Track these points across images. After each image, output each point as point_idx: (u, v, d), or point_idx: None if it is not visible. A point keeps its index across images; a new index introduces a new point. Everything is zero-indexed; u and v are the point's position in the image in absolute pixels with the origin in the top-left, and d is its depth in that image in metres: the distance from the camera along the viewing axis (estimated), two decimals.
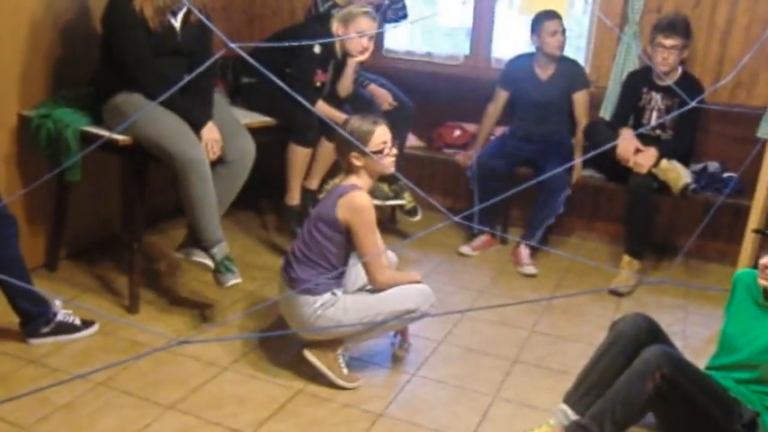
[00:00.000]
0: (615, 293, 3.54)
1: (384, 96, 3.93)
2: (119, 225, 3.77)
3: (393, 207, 4.09)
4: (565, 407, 2.32)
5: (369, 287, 2.72)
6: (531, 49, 3.94)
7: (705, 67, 3.85)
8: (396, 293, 2.62)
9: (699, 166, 3.82)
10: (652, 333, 2.32)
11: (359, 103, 3.73)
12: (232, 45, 1.13)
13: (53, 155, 3.01)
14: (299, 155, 3.57)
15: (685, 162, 3.66)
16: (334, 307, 2.58)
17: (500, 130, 4.14)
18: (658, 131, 3.72)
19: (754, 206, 3.25)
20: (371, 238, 2.57)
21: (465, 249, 3.96)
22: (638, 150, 3.58)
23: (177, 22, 2.95)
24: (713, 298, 3.47)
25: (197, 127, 2.89)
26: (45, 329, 2.77)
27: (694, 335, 3.22)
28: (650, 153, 3.56)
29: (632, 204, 3.62)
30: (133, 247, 3.04)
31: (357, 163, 2.60)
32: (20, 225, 2.71)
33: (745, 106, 3.78)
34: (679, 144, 3.67)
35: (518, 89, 3.97)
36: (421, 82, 4.27)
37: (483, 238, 4.00)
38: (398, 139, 3.45)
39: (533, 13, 3.87)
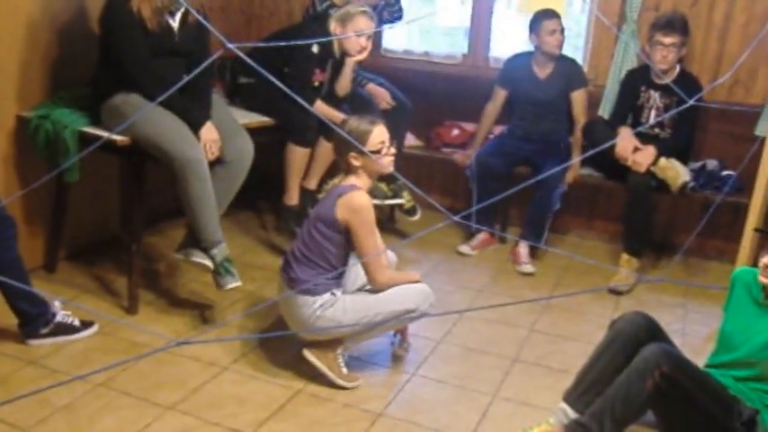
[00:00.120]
0: (614, 292, 3.54)
1: (382, 95, 3.93)
2: (118, 226, 3.77)
3: (392, 206, 4.09)
4: (564, 405, 2.33)
5: (368, 287, 2.72)
6: (529, 48, 3.94)
7: (703, 66, 3.86)
8: (395, 293, 2.62)
9: (697, 165, 3.82)
10: (651, 331, 2.32)
11: (357, 103, 3.73)
12: (230, 45, 1.13)
13: (51, 156, 3.01)
14: (297, 155, 3.57)
15: (684, 160, 3.67)
16: (334, 307, 2.58)
17: (498, 130, 4.14)
18: (657, 130, 3.72)
19: (753, 204, 3.25)
20: (371, 238, 2.57)
21: (464, 249, 3.96)
22: (636, 149, 3.59)
23: (175, 23, 2.95)
24: (712, 296, 3.48)
25: (195, 127, 2.89)
26: (44, 330, 2.77)
27: (693, 333, 3.22)
28: (649, 151, 3.56)
29: (631, 203, 3.63)
30: (132, 247, 3.04)
31: (355, 163, 2.60)
32: (19, 226, 2.71)
33: (744, 104, 3.78)
34: (678, 142, 3.67)
35: (516, 88, 3.98)
36: (419, 81, 4.27)
37: (482, 238, 4.00)
38: (397, 138, 3.45)
39: (531, 12, 3.87)
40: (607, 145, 3.34)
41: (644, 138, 3.63)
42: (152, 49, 2.88)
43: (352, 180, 2.61)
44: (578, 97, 3.90)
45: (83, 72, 3.17)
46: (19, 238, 2.69)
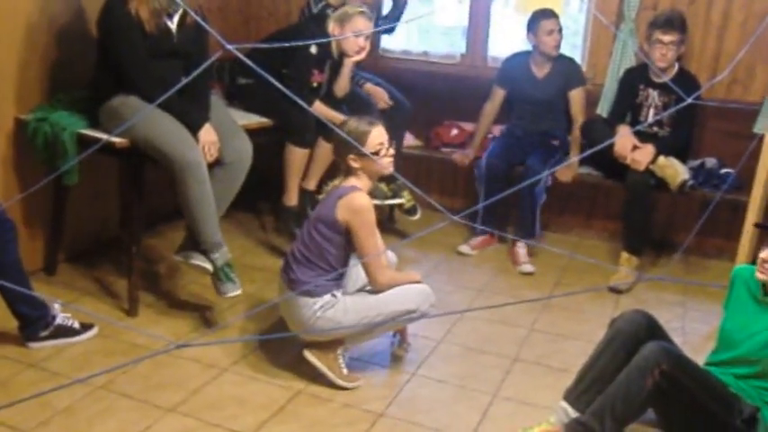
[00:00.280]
0: (614, 291, 3.54)
1: (380, 95, 3.93)
2: (117, 228, 3.76)
3: (392, 206, 4.09)
4: (565, 404, 2.33)
5: (369, 287, 2.72)
6: (527, 47, 3.94)
7: (701, 64, 3.86)
8: (396, 294, 2.62)
9: (696, 163, 3.82)
10: (651, 330, 2.32)
11: (356, 103, 3.73)
12: (228, 46, 1.13)
13: (50, 158, 3.00)
14: (296, 155, 3.57)
15: (683, 158, 3.67)
16: (334, 308, 2.58)
17: (497, 129, 4.14)
18: (655, 128, 3.72)
19: (752, 202, 3.25)
20: (372, 239, 2.56)
21: (464, 248, 3.96)
22: (635, 147, 3.59)
23: (173, 24, 2.95)
24: (712, 294, 3.48)
25: (194, 129, 2.89)
26: (44, 333, 2.77)
27: (693, 331, 3.22)
28: (648, 150, 3.56)
29: (630, 201, 3.63)
30: (132, 249, 3.04)
31: (355, 164, 2.60)
32: (18, 229, 2.71)
33: (742, 102, 3.78)
34: (676, 140, 3.67)
35: (515, 87, 3.98)
36: (418, 81, 4.27)
37: (482, 237, 4.00)
38: (395, 138, 3.45)
39: (529, 12, 3.87)
40: (606, 144, 3.34)
41: (643, 136, 3.63)
42: (150, 51, 2.88)
43: (352, 181, 2.61)
44: (576, 96, 3.90)
45: (81, 74, 3.17)
46: (19, 241, 2.68)
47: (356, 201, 2.54)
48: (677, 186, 3.54)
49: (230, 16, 4.51)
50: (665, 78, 3.60)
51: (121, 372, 2.66)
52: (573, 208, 4.22)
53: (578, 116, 3.90)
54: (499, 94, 4.02)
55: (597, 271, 3.80)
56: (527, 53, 3.94)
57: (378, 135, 2.61)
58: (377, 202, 3.62)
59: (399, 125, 3.90)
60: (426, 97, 4.25)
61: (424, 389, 2.70)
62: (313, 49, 3.53)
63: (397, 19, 4.06)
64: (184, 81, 2.76)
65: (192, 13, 2.91)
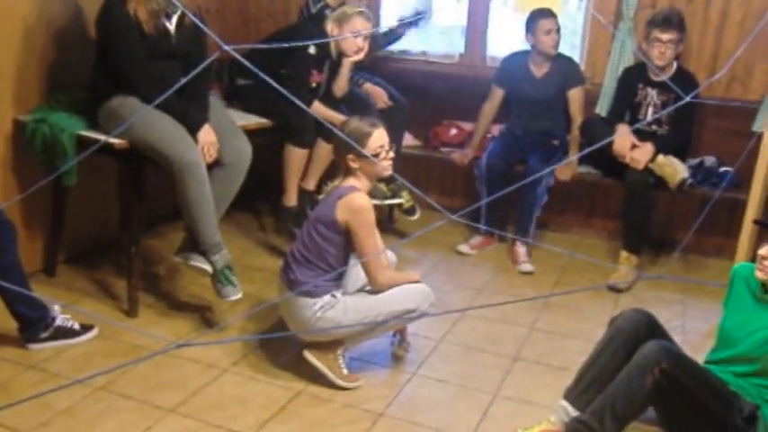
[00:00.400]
0: (614, 289, 3.54)
1: (379, 95, 3.93)
2: (116, 229, 3.76)
3: (391, 206, 4.09)
4: (565, 403, 2.33)
5: (368, 287, 2.72)
6: (525, 46, 3.94)
7: (700, 62, 3.86)
8: (395, 293, 2.62)
9: (695, 161, 3.82)
10: (651, 328, 2.32)
11: (355, 103, 3.73)
12: (226, 47, 1.13)
13: (49, 160, 3.00)
14: (295, 156, 3.57)
15: (682, 157, 3.67)
16: (334, 309, 2.58)
17: (496, 129, 4.14)
18: (654, 127, 3.72)
19: (751, 200, 3.26)
20: (371, 239, 2.57)
21: (463, 248, 3.96)
22: (634, 146, 3.59)
23: (172, 25, 2.95)
24: (711, 292, 3.48)
25: (193, 130, 2.89)
26: (44, 334, 2.77)
27: (693, 329, 3.22)
28: (647, 149, 3.56)
29: (629, 200, 3.63)
30: (131, 250, 3.04)
31: (354, 165, 2.60)
32: (18, 230, 2.71)
33: (741, 100, 3.78)
34: (675, 139, 3.67)
35: (513, 87, 3.98)
36: (417, 81, 4.27)
37: (481, 237, 4.00)
38: (395, 138, 3.45)
39: (528, 11, 3.87)
40: (605, 142, 3.34)
41: (642, 135, 3.64)
42: (149, 52, 2.88)
43: (351, 182, 2.61)
44: (575, 95, 3.90)
45: (80, 75, 3.17)
46: (18, 243, 2.68)
47: (356, 201, 2.54)
48: (676, 185, 3.54)
49: (229, 17, 4.51)
50: (664, 77, 3.60)
51: (121, 372, 2.66)
52: (572, 207, 4.22)
53: (577, 115, 3.90)
54: (498, 94, 4.02)
55: (597, 270, 3.80)
56: (526, 53, 3.94)
57: (379, 137, 2.61)
58: (376, 202, 3.62)
59: (398, 125, 3.90)
60: (425, 97, 4.25)
61: (424, 388, 2.70)
62: (312, 50, 3.53)
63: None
64: (183, 81, 2.75)
65: (190, 15, 2.91)
